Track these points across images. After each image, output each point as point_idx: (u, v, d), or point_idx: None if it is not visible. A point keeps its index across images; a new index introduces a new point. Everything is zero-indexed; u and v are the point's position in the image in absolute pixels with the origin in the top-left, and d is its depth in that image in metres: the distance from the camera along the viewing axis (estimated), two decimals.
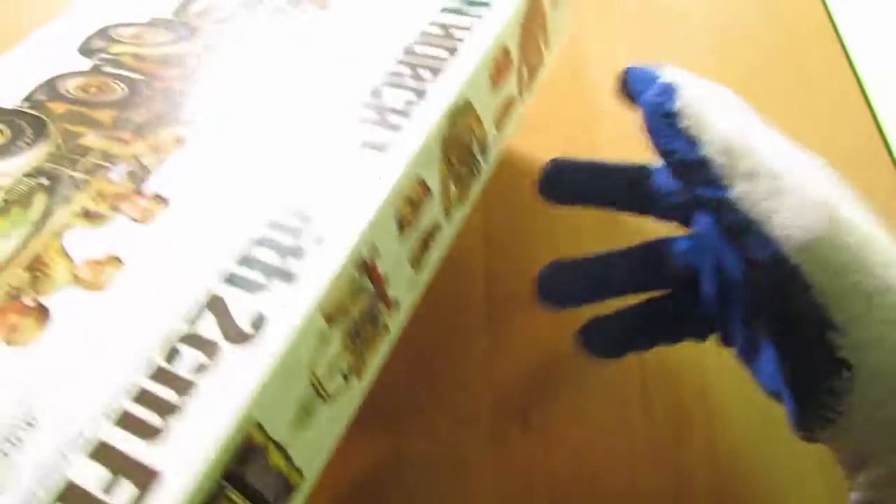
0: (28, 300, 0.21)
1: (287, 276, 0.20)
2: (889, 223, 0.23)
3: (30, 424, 0.18)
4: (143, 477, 0.17)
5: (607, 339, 0.28)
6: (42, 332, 0.21)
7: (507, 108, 0.29)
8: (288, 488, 0.20)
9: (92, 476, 0.17)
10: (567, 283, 0.28)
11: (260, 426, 0.18)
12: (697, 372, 0.31)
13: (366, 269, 0.22)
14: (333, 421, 0.22)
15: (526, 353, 0.32)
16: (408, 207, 0.23)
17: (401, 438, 0.30)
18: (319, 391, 0.21)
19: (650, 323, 0.27)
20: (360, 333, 0.22)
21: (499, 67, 0.27)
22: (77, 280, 0.22)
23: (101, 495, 0.17)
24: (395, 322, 0.24)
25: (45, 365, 0.20)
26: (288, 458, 0.20)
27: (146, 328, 0.20)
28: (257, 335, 0.19)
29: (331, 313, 0.20)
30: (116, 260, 0.22)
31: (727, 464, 0.29)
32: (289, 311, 0.19)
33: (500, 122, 0.29)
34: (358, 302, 0.22)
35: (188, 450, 0.17)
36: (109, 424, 0.18)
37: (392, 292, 0.24)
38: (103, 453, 0.17)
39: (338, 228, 0.21)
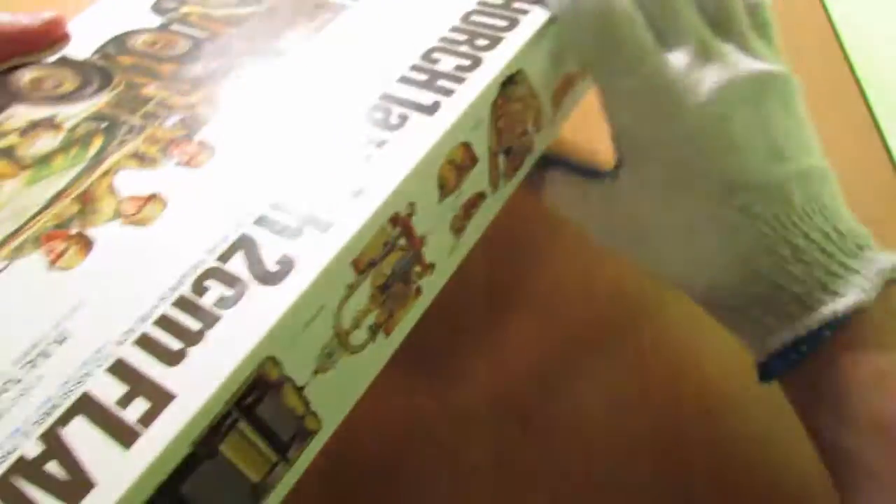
0: (75, 230, 0.22)
1: (319, 224, 0.20)
2: (886, 223, 0.23)
3: (58, 342, 0.19)
4: (157, 396, 0.17)
5: None
6: (83, 259, 0.21)
7: (566, 86, 0.29)
8: (303, 432, 0.20)
9: (109, 390, 0.17)
10: None
11: (276, 361, 0.18)
12: (697, 372, 0.30)
13: (401, 225, 0.21)
14: (357, 374, 0.22)
15: (526, 353, 0.31)
16: (451, 171, 0.23)
17: (401, 438, 0.30)
18: (343, 340, 0.20)
19: None
20: (391, 290, 0.22)
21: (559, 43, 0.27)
22: (121, 215, 0.22)
23: (114, 408, 0.17)
24: (431, 286, 0.24)
25: (82, 289, 0.20)
26: (305, 401, 0.20)
27: (178, 261, 0.20)
28: (283, 275, 0.19)
29: (360, 263, 0.20)
30: (159, 199, 0.22)
31: (727, 464, 0.28)
32: (316, 254, 0.19)
33: (557, 100, 0.28)
34: (390, 257, 0.21)
35: (202, 375, 0.17)
36: (132, 345, 0.18)
37: (429, 255, 0.23)
38: (122, 370, 0.17)
39: (376, 182, 0.21)
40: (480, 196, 0.25)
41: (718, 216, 0.24)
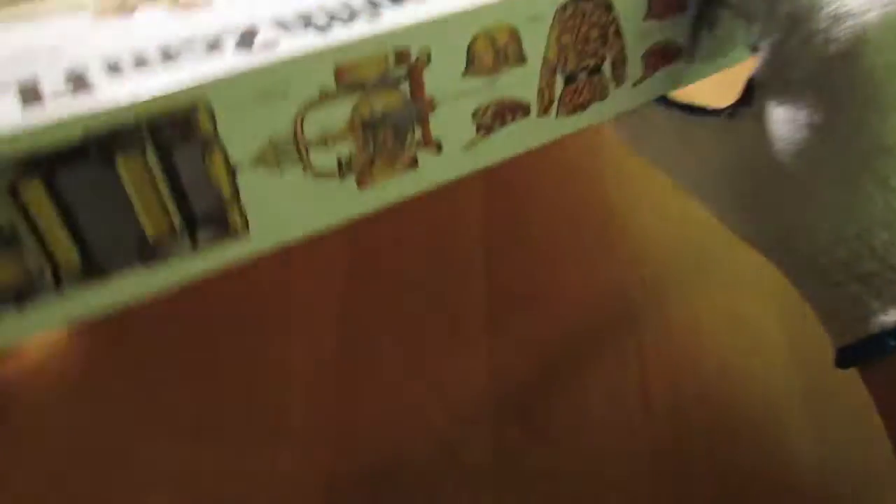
0: None
1: (318, 28, 0.19)
2: None
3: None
4: (78, 86, 0.17)
5: None
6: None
7: (662, 55, 0.26)
8: (222, 221, 0.19)
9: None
10: None
11: (211, 115, 0.17)
12: (697, 372, 0.31)
13: (408, 66, 0.20)
14: (308, 204, 0.20)
15: (526, 353, 0.31)
16: (487, 49, 0.21)
17: (401, 438, 0.30)
18: (300, 148, 0.19)
19: None
20: (378, 135, 0.20)
21: None
22: None
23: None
24: (430, 168, 0.22)
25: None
26: (234, 186, 0.19)
27: None
28: (259, 44, 0.18)
29: (344, 73, 0.19)
30: None
31: (727, 464, 0.28)
32: (298, 40, 0.18)
33: (650, 64, 0.25)
34: (386, 95, 0.20)
35: (132, 87, 0.17)
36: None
37: (436, 128, 0.21)
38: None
39: (396, 13, 0.20)
40: (521, 108, 0.23)
41: (852, 180, 0.21)
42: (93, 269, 0.18)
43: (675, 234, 0.34)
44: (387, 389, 0.30)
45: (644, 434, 0.29)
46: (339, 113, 0.19)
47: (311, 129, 0.19)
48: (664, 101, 0.27)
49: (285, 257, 0.32)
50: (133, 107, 0.16)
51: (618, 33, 0.24)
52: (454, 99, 0.21)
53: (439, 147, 0.22)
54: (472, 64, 0.21)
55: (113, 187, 0.17)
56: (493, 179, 0.31)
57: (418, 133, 0.21)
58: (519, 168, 0.36)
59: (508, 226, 0.33)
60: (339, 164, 0.20)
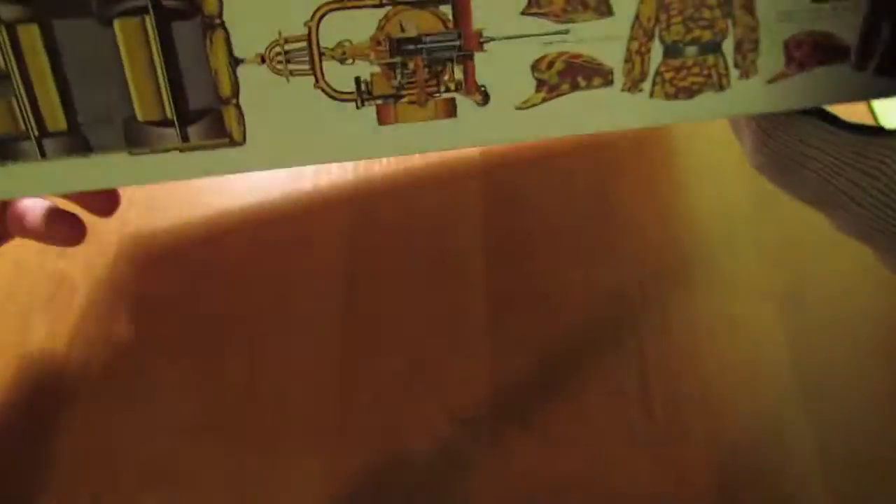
0: None
1: None
2: None
3: None
4: None
5: None
6: None
7: (802, 51, 0.20)
8: (217, 119, 0.17)
9: None
10: None
11: None
12: (697, 372, 0.31)
13: None
14: (316, 129, 0.18)
15: (526, 353, 0.31)
16: None
17: (401, 438, 0.30)
18: (313, 55, 0.17)
19: None
20: (407, 61, 0.18)
21: None
22: None
23: None
24: (471, 118, 0.18)
25: None
26: (235, 83, 0.17)
27: None
28: None
29: None
30: None
31: (727, 464, 0.29)
32: None
33: (793, 57, 0.20)
34: (422, 15, 0.17)
35: None
36: None
37: (482, 72, 0.18)
38: None
39: None
40: (600, 72, 0.19)
41: None
42: (77, 141, 0.17)
43: (674, 235, 0.34)
44: (387, 389, 0.30)
45: (644, 434, 0.29)
46: (364, 22, 0.17)
47: (329, 35, 0.17)
48: (825, 116, 0.21)
49: (285, 257, 0.33)
50: None
51: (748, 5, 0.19)
52: (509, 41, 0.18)
53: (486, 96, 0.19)
54: (535, 1, 0.18)
55: (107, 49, 0.17)
56: (493, 180, 0.31)
57: (459, 72, 0.18)
58: (519, 168, 0.37)
59: (508, 226, 0.34)
60: (358, 86, 0.18)
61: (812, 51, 0.20)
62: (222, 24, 0.17)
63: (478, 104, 0.19)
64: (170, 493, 0.28)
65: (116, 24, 0.16)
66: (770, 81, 0.20)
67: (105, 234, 0.34)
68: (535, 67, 0.19)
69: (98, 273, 0.33)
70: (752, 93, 0.20)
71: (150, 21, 0.17)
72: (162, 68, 0.17)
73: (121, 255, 0.33)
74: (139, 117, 0.17)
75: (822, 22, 0.20)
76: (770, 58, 0.20)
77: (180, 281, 0.33)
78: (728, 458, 0.29)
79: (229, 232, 0.34)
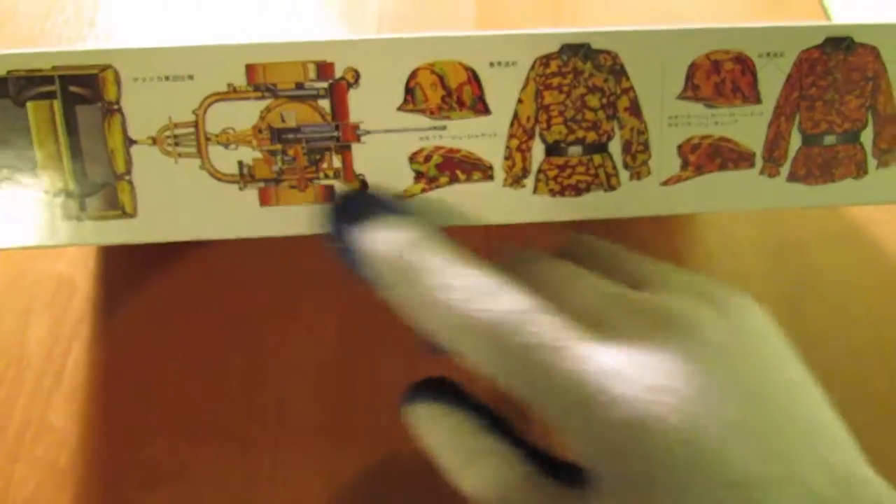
0: None
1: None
2: None
3: None
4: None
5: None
6: None
7: (708, 150, 0.19)
8: (111, 193, 0.19)
9: None
10: None
11: (117, 81, 0.18)
12: None
13: (329, 81, 0.18)
14: (202, 208, 0.19)
15: None
16: (433, 86, 0.19)
17: (401, 438, 0.28)
18: (199, 140, 0.19)
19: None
20: (287, 148, 0.19)
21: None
22: None
23: None
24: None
25: None
26: (129, 162, 0.19)
27: None
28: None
29: (255, 72, 0.18)
30: None
31: None
32: (213, 37, 0.19)
33: (686, 155, 0.19)
34: (300, 107, 0.19)
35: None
36: None
37: (361, 162, 0.19)
38: None
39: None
40: (479, 168, 0.19)
41: None
42: None
43: (674, 235, 0.34)
44: (387, 389, 0.29)
45: None
46: (247, 112, 0.19)
47: (215, 122, 0.19)
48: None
49: (284, 256, 0.33)
50: (49, 56, 0.18)
51: (634, 109, 0.19)
52: (387, 135, 0.19)
53: (364, 185, 0.19)
54: (410, 98, 0.19)
55: (20, 126, 0.19)
56: None
57: (338, 161, 0.19)
58: None
59: (508, 227, 0.32)
60: (241, 169, 0.19)
61: (710, 155, 0.19)
62: (119, 110, 0.19)
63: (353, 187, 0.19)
64: (170, 493, 0.28)
65: (29, 105, 0.19)
66: (664, 184, 0.20)
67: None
68: (412, 159, 0.19)
69: (98, 273, 0.33)
70: (644, 194, 0.20)
71: (57, 104, 0.19)
72: (66, 145, 0.19)
73: (120, 255, 0.34)
74: (44, 187, 0.19)
75: (721, 127, 0.19)
76: (663, 160, 0.19)
77: (180, 281, 0.33)
78: None
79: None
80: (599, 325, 0.17)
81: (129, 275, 0.33)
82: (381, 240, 0.18)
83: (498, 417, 0.19)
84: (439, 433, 0.20)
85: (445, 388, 0.20)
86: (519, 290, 0.17)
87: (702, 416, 0.15)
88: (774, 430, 0.16)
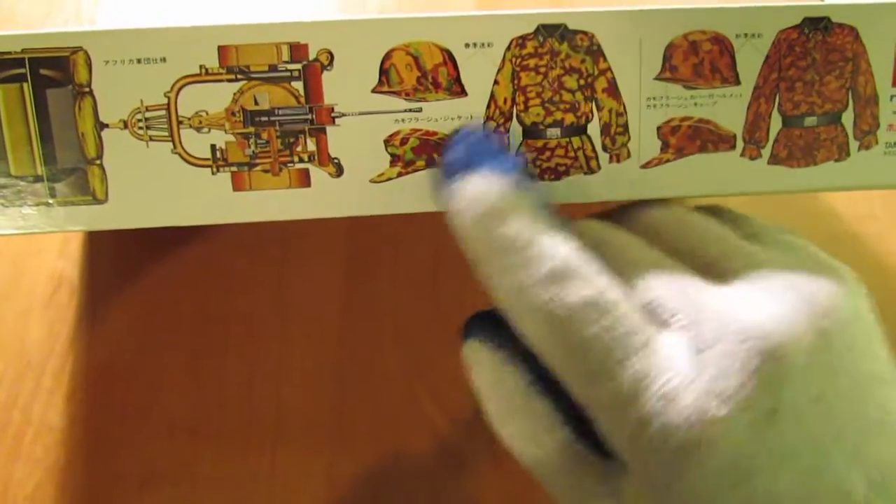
0: None
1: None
2: None
3: None
4: None
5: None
6: None
7: (688, 132, 0.19)
8: (82, 178, 0.19)
9: None
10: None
11: (88, 63, 0.18)
12: None
13: (303, 63, 0.18)
14: (174, 193, 0.19)
15: None
16: (408, 67, 0.18)
17: (401, 438, 0.30)
18: (171, 123, 0.18)
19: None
20: (260, 130, 0.19)
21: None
22: None
23: None
24: (325, 189, 0.19)
25: None
26: (100, 146, 0.18)
27: None
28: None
29: (227, 53, 0.18)
30: None
31: None
32: (183, 17, 0.18)
33: (667, 138, 0.19)
34: (274, 90, 0.18)
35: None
36: None
37: (335, 145, 0.19)
38: None
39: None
40: None
41: None
42: None
43: None
44: (387, 389, 0.30)
45: None
46: (220, 95, 0.19)
47: (187, 105, 0.19)
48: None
49: (284, 256, 0.33)
50: (19, 38, 0.18)
51: (612, 90, 0.19)
52: (361, 115, 0.19)
53: (339, 168, 0.19)
54: (385, 80, 0.19)
55: None
56: None
57: (312, 144, 0.19)
58: None
59: None
60: (214, 153, 0.19)
61: (690, 137, 0.19)
62: (91, 93, 0.19)
63: (331, 175, 0.19)
64: (170, 493, 0.28)
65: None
66: (645, 167, 0.19)
67: (104, 233, 0.34)
68: (388, 143, 0.19)
69: (98, 273, 0.33)
70: (625, 177, 0.19)
71: (27, 87, 0.19)
72: (35, 129, 0.19)
73: (121, 255, 0.34)
74: (13, 172, 0.19)
75: (700, 109, 0.19)
76: (643, 142, 0.19)
77: (180, 281, 0.33)
78: None
79: (229, 232, 0.34)
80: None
81: (129, 275, 0.33)
82: (468, 201, 0.17)
83: (543, 369, 0.18)
84: (486, 380, 0.20)
85: (502, 324, 0.19)
86: (597, 272, 0.17)
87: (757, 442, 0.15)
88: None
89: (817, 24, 0.19)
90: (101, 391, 0.31)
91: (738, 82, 0.19)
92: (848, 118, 0.19)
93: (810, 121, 0.19)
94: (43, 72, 0.18)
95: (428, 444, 0.30)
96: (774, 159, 0.20)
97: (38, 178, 0.19)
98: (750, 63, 0.19)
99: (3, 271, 0.33)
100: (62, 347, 0.32)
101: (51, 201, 0.19)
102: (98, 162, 0.19)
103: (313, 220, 0.36)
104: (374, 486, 0.29)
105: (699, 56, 0.19)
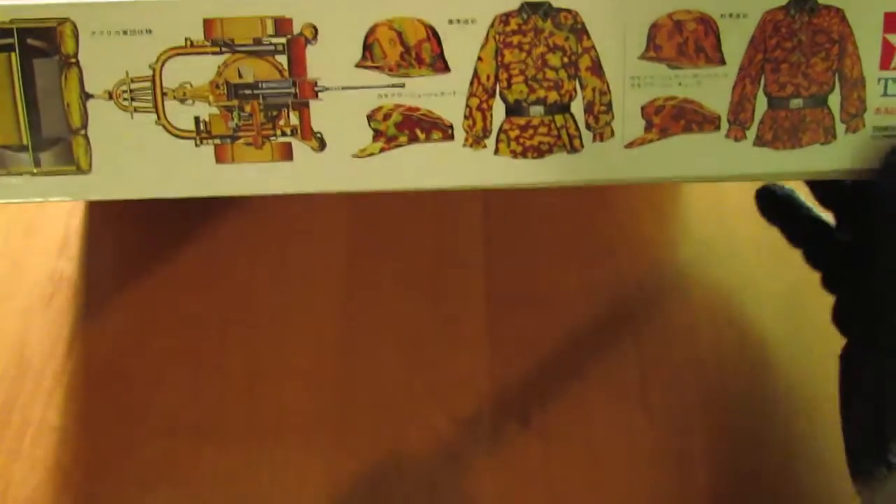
0: None
1: None
2: None
3: None
4: None
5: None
6: None
7: (673, 110, 0.19)
8: (66, 148, 0.19)
9: None
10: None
11: (75, 35, 0.18)
12: (697, 372, 0.31)
13: (287, 36, 0.18)
14: (158, 165, 0.19)
15: (526, 352, 0.32)
16: (391, 43, 0.18)
17: (401, 438, 0.30)
18: (156, 95, 0.19)
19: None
20: (244, 103, 0.19)
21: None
22: None
23: None
24: (308, 163, 0.19)
25: None
26: (85, 116, 0.19)
27: None
28: None
29: (212, 27, 0.18)
30: None
31: (727, 463, 0.29)
32: None
33: (649, 116, 0.19)
34: (258, 64, 0.18)
35: None
36: None
37: (318, 118, 0.19)
38: None
39: None
40: (439, 127, 0.19)
41: None
42: None
43: (674, 235, 0.35)
44: (387, 389, 0.30)
45: (644, 434, 0.30)
46: (204, 67, 0.19)
47: (172, 77, 0.19)
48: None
49: (284, 256, 0.33)
50: (7, 9, 0.18)
51: (596, 69, 0.19)
52: (346, 93, 0.19)
53: (322, 143, 0.19)
54: (368, 54, 0.19)
55: None
56: None
57: (295, 118, 0.19)
58: None
59: (508, 226, 0.34)
60: (197, 125, 0.19)
61: (674, 117, 0.19)
62: (77, 63, 0.19)
63: (314, 150, 0.19)
64: (170, 493, 0.28)
65: None
66: (629, 146, 0.19)
67: (104, 233, 0.35)
68: (371, 118, 0.19)
69: (98, 273, 0.33)
70: (608, 157, 0.19)
71: (14, 57, 0.19)
72: (21, 99, 0.19)
73: (120, 255, 0.34)
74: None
75: (684, 89, 0.19)
76: (627, 122, 0.19)
77: (181, 281, 0.33)
78: (728, 458, 0.30)
79: (229, 232, 0.35)
80: None
81: (129, 275, 0.33)
82: None
83: None
84: None
85: None
86: None
87: None
88: None
89: (803, 5, 0.19)
90: (101, 391, 0.31)
91: (722, 62, 0.19)
92: (834, 101, 0.19)
93: (796, 103, 0.19)
94: (30, 42, 0.19)
95: (428, 443, 0.30)
96: (760, 141, 0.19)
97: (22, 148, 0.19)
98: (735, 43, 0.19)
99: (3, 271, 0.34)
100: (62, 347, 0.32)
101: (35, 171, 0.19)
102: (83, 132, 0.19)
103: (313, 219, 0.36)
104: (374, 486, 0.29)
105: (683, 35, 0.19)
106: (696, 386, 0.32)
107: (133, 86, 0.19)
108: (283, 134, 0.19)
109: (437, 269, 0.33)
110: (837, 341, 0.27)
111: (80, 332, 0.32)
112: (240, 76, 0.19)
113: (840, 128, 0.19)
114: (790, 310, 0.32)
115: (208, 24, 0.19)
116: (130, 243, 0.35)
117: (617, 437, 0.30)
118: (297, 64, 0.19)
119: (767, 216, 0.28)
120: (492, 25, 0.19)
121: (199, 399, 0.30)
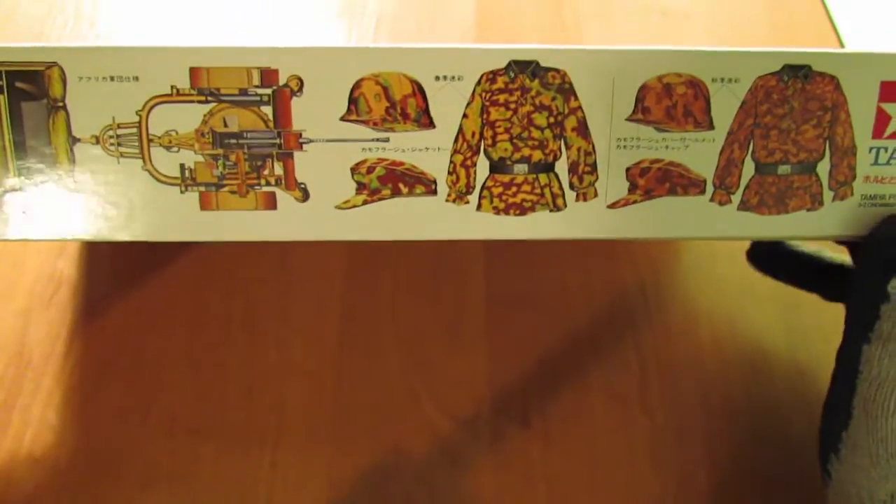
0: None
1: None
2: None
3: None
4: None
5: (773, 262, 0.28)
6: None
7: (659, 174, 0.19)
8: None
9: None
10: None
11: (63, 78, 0.18)
12: (697, 372, 0.31)
13: (272, 87, 0.18)
14: (143, 209, 0.19)
15: (526, 353, 0.32)
16: (377, 98, 0.18)
17: (401, 438, 0.30)
18: (142, 141, 0.19)
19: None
20: (229, 152, 0.19)
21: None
22: None
23: None
24: (292, 213, 0.19)
25: None
26: (72, 159, 0.19)
27: None
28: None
29: (198, 76, 0.18)
30: None
31: (727, 463, 0.29)
32: (156, 41, 0.18)
33: (635, 180, 0.19)
34: (243, 113, 0.18)
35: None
36: None
37: (302, 170, 0.19)
38: None
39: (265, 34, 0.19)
40: (422, 181, 0.19)
41: None
42: None
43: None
44: (387, 389, 0.30)
45: (644, 434, 0.30)
46: (190, 115, 0.19)
47: (158, 124, 0.19)
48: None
49: (284, 256, 0.33)
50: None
51: (582, 129, 0.19)
52: (329, 146, 0.19)
53: (305, 193, 0.19)
54: (354, 108, 0.19)
55: None
56: None
57: (279, 168, 0.19)
58: None
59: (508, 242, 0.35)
60: (182, 172, 0.19)
61: (659, 179, 0.19)
62: (64, 107, 0.19)
63: (298, 200, 0.19)
64: (170, 493, 0.28)
65: None
66: (612, 206, 0.19)
67: None
68: (354, 171, 0.19)
69: (98, 273, 0.34)
70: (591, 216, 0.19)
71: (3, 99, 0.19)
72: (10, 141, 0.19)
73: (120, 255, 0.34)
74: None
75: (671, 152, 0.19)
76: (611, 182, 0.19)
77: (180, 281, 0.33)
78: (728, 458, 0.30)
79: None
80: None
81: (128, 275, 0.34)
82: None
83: None
84: None
85: None
86: None
87: None
88: None
89: (797, 72, 0.18)
90: (101, 391, 0.31)
91: (711, 127, 0.19)
92: (823, 168, 0.19)
93: (784, 169, 0.19)
94: (18, 85, 0.19)
95: (428, 443, 0.30)
96: (744, 205, 0.19)
97: (14, 190, 0.19)
98: (725, 108, 0.19)
99: (3, 271, 0.34)
100: (62, 347, 0.32)
101: (24, 211, 0.19)
102: (70, 175, 0.19)
103: None
104: (374, 486, 0.29)
105: (672, 99, 0.19)
106: (696, 386, 0.32)
107: (120, 131, 0.19)
108: (268, 184, 0.19)
109: (436, 269, 0.33)
110: (837, 341, 0.27)
111: (80, 332, 0.32)
112: (225, 125, 0.19)
113: (828, 195, 0.19)
114: (790, 310, 0.33)
115: (195, 72, 0.19)
116: (130, 243, 0.36)
117: (617, 437, 0.31)
118: (282, 115, 0.19)
119: (769, 274, 0.28)
120: (478, 83, 0.18)
121: (199, 399, 0.30)
